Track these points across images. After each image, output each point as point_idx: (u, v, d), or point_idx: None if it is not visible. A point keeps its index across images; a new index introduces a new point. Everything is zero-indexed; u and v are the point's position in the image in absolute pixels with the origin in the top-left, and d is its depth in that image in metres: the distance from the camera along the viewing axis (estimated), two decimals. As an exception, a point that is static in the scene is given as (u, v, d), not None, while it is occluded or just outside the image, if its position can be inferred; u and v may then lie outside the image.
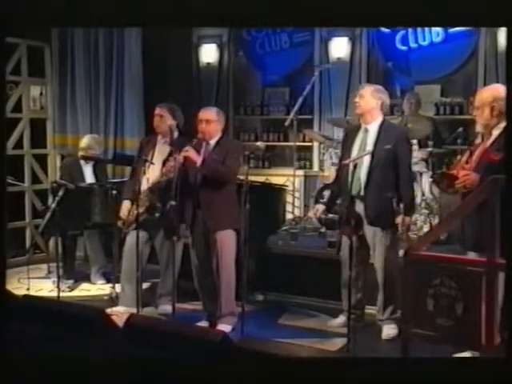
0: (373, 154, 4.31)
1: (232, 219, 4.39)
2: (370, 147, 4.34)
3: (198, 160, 4.42)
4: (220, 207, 4.45)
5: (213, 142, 4.55)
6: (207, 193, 4.45)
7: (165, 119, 4.91)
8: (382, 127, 4.40)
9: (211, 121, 4.50)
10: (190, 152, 4.41)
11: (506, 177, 2.71)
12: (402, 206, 4.23)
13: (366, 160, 4.32)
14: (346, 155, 4.46)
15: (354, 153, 4.41)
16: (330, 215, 5.13)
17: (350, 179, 4.31)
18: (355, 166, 4.16)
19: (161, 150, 4.95)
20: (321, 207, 4.67)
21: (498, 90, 3.69)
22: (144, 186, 4.87)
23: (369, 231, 4.38)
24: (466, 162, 3.78)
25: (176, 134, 4.93)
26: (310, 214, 4.89)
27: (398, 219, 4.20)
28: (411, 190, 4.44)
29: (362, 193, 4.34)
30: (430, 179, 5.81)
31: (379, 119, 4.43)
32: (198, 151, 4.47)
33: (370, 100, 4.39)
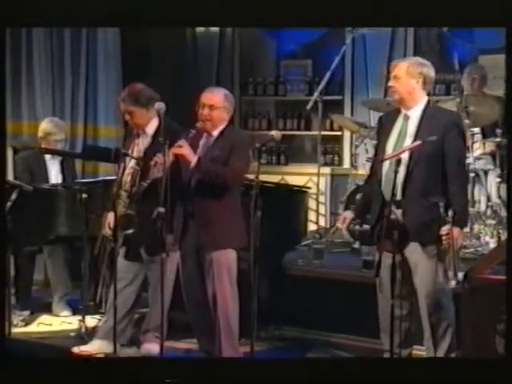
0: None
1: (234, 236, 4.36)
2: (410, 138, 4.31)
3: (193, 160, 4.39)
4: (219, 219, 4.41)
5: (215, 133, 4.52)
6: (203, 199, 4.42)
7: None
8: (426, 112, 4.37)
9: (216, 107, 4.46)
10: (183, 149, 4.38)
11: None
12: (450, 213, 4.21)
13: (404, 155, 4.30)
14: (381, 149, 4.45)
15: (390, 146, 4.38)
16: (365, 226, 5.11)
17: (383, 179, 4.32)
18: (389, 163, 4.14)
19: (145, 143, 4.92)
20: (349, 215, 4.66)
21: None
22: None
23: (408, 246, 4.37)
24: None
25: (155, 122, 4.84)
26: (338, 224, 4.86)
27: (444, 230, 4.18)
28: (464, 195, 4.42)
29: (397, 197, 4.33)
30: (498, 179, 5.76)
31: (423, 101, 4.40)
32: (197, 145, 4.45)
33: (408, 80, 4.34)
